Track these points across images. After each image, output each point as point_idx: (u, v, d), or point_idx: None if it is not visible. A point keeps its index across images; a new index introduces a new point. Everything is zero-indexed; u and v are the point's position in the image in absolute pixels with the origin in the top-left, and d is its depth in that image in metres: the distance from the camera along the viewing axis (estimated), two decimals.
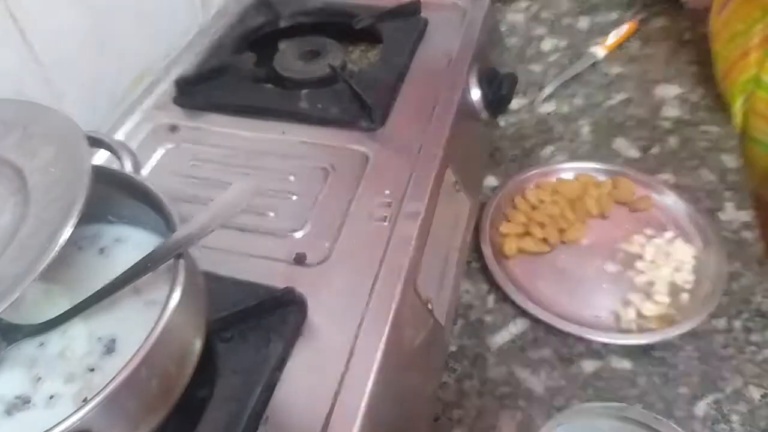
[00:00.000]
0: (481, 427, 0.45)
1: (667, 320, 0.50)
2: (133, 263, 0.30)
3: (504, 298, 0.52)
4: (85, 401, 0.25)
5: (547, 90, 0.73)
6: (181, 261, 0.30)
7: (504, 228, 0.57)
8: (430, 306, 0.43)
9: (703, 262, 0.53)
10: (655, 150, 0.65)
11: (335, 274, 0.41)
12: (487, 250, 0.55)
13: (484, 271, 0.54)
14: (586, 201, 0.58)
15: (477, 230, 0.56)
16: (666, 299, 0.51)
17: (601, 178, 0.61)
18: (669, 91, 0.72)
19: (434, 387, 0.46)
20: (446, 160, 0.49)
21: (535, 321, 0.51)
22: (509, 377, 0.48)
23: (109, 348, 0.31)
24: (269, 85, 0.58)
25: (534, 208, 0.59)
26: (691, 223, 0.56)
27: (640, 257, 0.54)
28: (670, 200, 0.59)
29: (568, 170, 0.62)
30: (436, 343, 0.45)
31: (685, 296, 0.51)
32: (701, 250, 0.54)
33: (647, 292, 0.52)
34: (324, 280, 0.40)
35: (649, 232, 0.57)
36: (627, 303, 0.51)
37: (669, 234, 0.56)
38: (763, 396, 0.45)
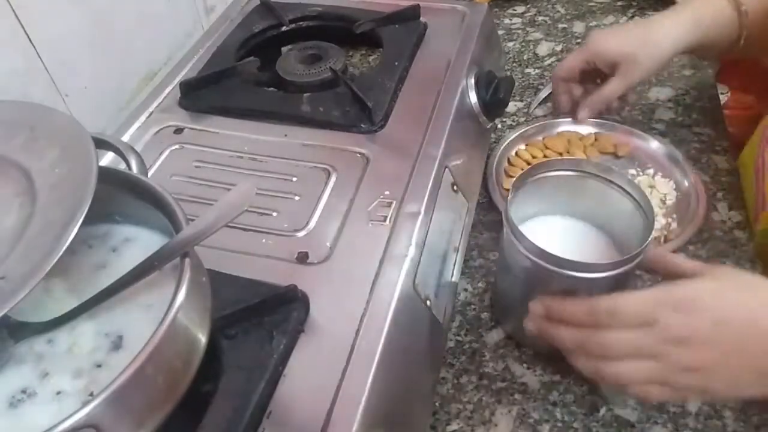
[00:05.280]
0: (477, 421, 0.46)
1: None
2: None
3: None
4: (92, 396, 0.25)
5: (543, 93, 0.73)
6: (187, 260, 0.30)
7: (507, 183, 0.62)
8: (428, 303, 0.43)
9: (684, 196, 0.60)
10: None
11: (336, 272, 0.41)
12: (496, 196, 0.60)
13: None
14: (574, 153, 0.64)
15: (487, 191, 0.61)
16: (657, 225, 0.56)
17: (585, 132, 0.67)
18: (663, 93, 0.73)
19: (432, 382, 0.46)
20: (444, 162, 0.49)
21: None
22: (505, 372, 0.48)
23: (116, 344, 0.31)
24: (272, 89, 0.58)
25: (529, 163, 0.64)
26: (671, 162, 0.63)
27: None
28: (654, 144, 0.65)
29: (555, 126, 0.68)
30: (434, 340, 0.45)
31: (671, 221, 0.58)
32: (681, 185, 0.61)
33: None
34: (325, 279, 0.41)
35: (632, 172, 0.63)
36: None
37: (650, 170, 0.63)
38: None
